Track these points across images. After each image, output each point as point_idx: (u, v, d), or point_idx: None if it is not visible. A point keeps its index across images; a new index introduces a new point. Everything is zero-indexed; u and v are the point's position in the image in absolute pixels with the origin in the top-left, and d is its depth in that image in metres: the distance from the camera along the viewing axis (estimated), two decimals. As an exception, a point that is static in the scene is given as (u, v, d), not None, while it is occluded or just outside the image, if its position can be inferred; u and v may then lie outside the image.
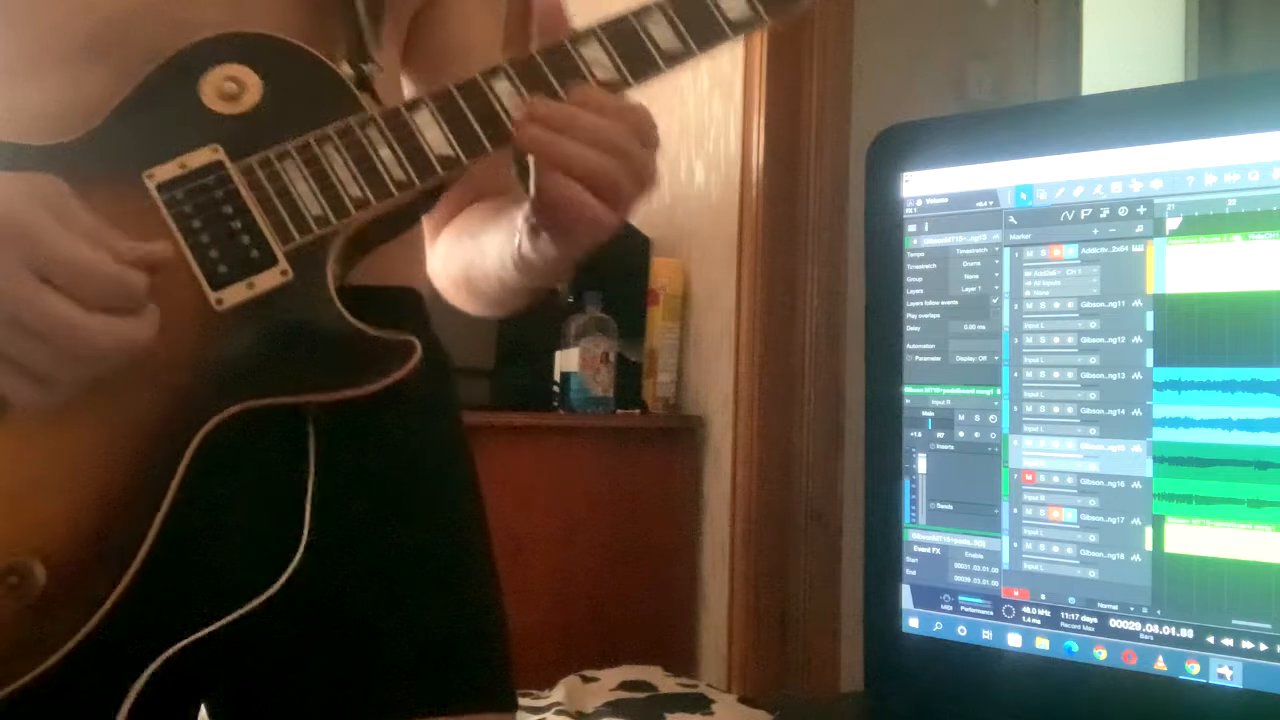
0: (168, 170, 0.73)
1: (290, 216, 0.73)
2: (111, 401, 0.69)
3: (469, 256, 0.93)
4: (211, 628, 0.72)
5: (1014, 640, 1.29)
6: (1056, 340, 1.27)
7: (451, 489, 0.90)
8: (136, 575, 0.68)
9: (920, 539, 1.36)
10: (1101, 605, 1.24)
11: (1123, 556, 1.22)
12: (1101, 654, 1.23)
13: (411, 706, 0.82)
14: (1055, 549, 1.27)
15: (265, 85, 0.75)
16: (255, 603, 0.73)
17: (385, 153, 0.75)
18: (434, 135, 0.76)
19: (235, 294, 0.71)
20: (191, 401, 0.70)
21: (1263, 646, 1.13)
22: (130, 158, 0.73)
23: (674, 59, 0.79)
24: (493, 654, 0.88)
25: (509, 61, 0.78)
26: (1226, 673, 1.15)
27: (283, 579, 0.73)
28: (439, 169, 0.75)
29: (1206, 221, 1.18)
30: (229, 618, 0.72)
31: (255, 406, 0.71)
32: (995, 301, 1.31)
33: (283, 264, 0.72)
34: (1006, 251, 1.31)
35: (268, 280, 0.72)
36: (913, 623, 1.37)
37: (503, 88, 0.77)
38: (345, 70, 0.79)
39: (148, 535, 0.68)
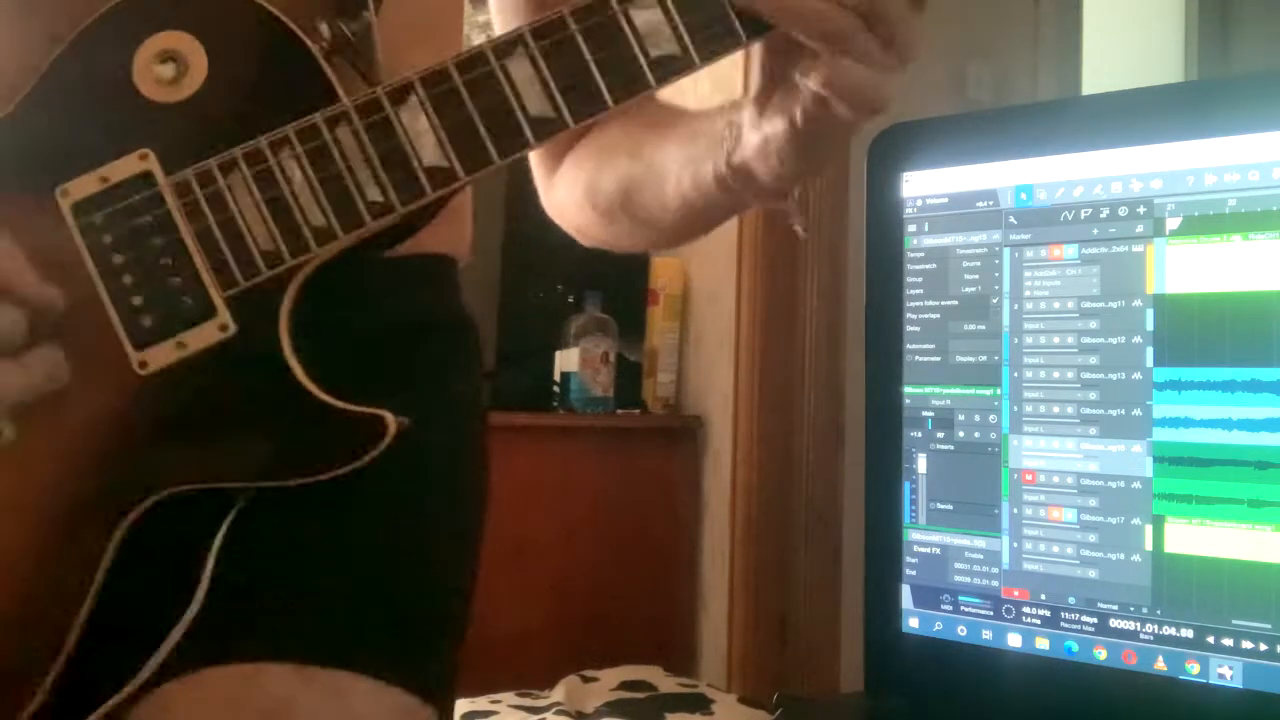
0: (85, 185, 0.58)
1: (233, 254, 0.58)
2: (21, 481, 0.58)
3: (632, 178, 0.77)
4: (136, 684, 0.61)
5: (1014, 640, 1.29)
6: (1056, 340, 1.27)
7: (460, 477, 0.79)
8: (64, 668, 0.59)
9: (920, 539, 1.36)
10: (1101, 605, 1.23)
11: (1123, 556, 1.22)
12: (1101, 654, 1.23)
13: (313, 653, 0.68)
14: (1055, 549, 1.27)
15: (212, 62, 0.59)
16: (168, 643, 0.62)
17: (358, 163, 0.58)
18: (424, 138, 0.58)
19: (162, 355, 0.58)
20: (113, 486, 0.58)
21: (1263, 646, 1.13)
22: (42, 163, 0.59)
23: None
24: (403, 624, 0.73)
25: (530, 29, 0.58)
26: (1226, 673, 1.15)
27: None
28: (426, 186, 0.58)
29: (1206, 221, 1.18)
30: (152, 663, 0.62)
31: (184, 493, 0.59)
32: (995, 301, 1.31)
33: (222, 316, 0.58)
34: (1006, 251, 1.31)
35: (202, 337, 0.58)
36: (913, 623, 1.37)
37: (521, 72, 0.57)
38: (322, 33, 0.61)
39: (67, 639, 0.58)
